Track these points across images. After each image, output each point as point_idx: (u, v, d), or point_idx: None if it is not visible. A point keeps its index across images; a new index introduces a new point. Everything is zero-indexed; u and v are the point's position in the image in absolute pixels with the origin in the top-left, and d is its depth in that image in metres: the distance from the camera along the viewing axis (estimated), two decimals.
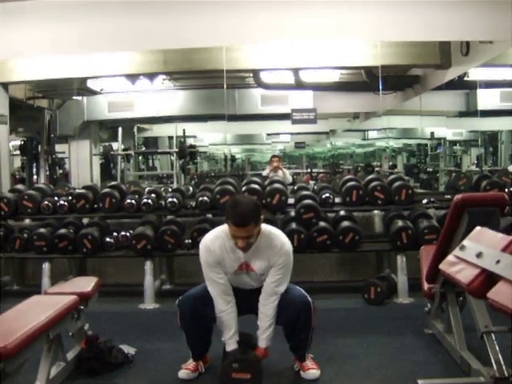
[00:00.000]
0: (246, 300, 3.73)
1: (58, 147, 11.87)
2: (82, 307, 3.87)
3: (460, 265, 2.36)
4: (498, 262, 2.05)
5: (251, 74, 9.19)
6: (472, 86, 10.63)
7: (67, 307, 3.56)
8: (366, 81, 9.02)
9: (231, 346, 3.68)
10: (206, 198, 6.06)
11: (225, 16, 6.14)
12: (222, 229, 3.68)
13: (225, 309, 3.68)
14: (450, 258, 2.50)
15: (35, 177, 11.75)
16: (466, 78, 9.54)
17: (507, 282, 1.93)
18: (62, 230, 6.03)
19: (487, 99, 11.11)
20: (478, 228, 2.52)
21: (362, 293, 5.65)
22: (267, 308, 3.64)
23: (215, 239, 3.68)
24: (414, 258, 5.14)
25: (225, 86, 7.18)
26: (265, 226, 3.68)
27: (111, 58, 7.75)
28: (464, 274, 2.26)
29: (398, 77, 9.60)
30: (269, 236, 3.65)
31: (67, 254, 5.98)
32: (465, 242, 2.43)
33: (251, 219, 3.46)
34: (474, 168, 13.65)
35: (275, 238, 3.66)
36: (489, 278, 2.09)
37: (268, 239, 3.63)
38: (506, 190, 6.01)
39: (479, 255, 2.22)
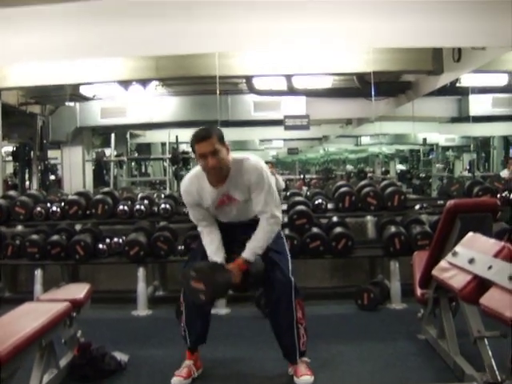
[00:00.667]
0: (236, 235, 3.78)
1: (51, 153, 11.88)
2: (74, 314, 3.85)
3: (453, 271, 2.36)
4: (490, 267, 2.06)
5: (244, 80, 9.21)
6: (464, 92, 10.69)
7: (60, 314, 3.55)
8: (358, 87, 9.05)
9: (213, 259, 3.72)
10: None
11: (218, 23, 6.15)
12: (197, 168, 3.70)
13: (209, 238, 3.76)
14: (443, 263, 2.51)
15: (27, 183, 11.74)
16: (458, 84, 9.60)
17: (499, 288, 1.94)
18: (55, 237, 6.01)
19: (479, 105, 11.17)
20: (470, 234, 2.53)
21: (355, 299, 5.65)
22: (259, 228, 3.66)
23: (191, 179, 3.73)
24: (406, 264, 5.14)
25: (218, 92, 7.19)
26: (234, 156, 3.64)
27: (104, 64, 7.76)
28: (457, 280, 2.27)
29: (391, 83, 9.64)
30: (239, 162, 3.60)
31: (60, 260, 5.95)
32: (457, 248, 2.44)
33: (212, 132, 3.51)
34: (466, 173, 13.71)
35: (245, 161, 3.60)
36: (481, 284, 2.10)
37: (239, 165, 3.59)
38: (499, 195, 6.05)
39: (471, 261, 2.23)
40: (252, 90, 9.15)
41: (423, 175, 13.71)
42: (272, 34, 6.17)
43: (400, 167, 15.74)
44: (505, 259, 2.06)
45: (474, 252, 2.28)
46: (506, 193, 6.12)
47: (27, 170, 11.77)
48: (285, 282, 3.67)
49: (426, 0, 6.28)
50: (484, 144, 14.63)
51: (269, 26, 6.13)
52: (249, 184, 3.60)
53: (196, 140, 3.50)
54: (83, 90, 9.54)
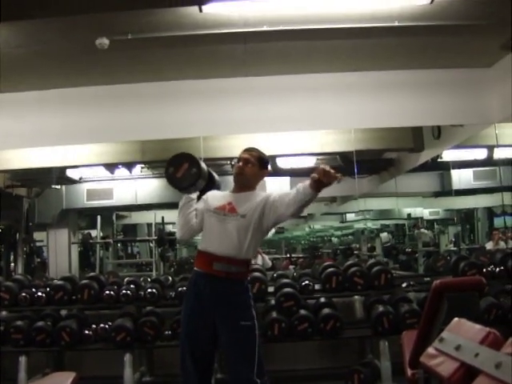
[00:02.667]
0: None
1: (36, 235, 11.81)
2: None
3: (440, 357, 2.35)
4: (476, 355, 2.06)
5: (229, 162, 9.31)
6: (445, 167, 10.84)
7: None
8: (341, 165, 9.17)
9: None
10: (185, 289, 6.02)
11: (201, 108, 6.32)
12: None
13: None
14: (430, 350, 2.49)
15: (12, 264, 11.64)
16: (439, 160, 9.75)
17: (487, 376, 1.93)
18: (40, 323, 5.93)
19: (461, 179, 11.31)
20: (456, 319, 2.53)
21: (345, 380, 5.58)
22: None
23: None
24: (396, 343, 5.10)
25: None
26: (258, 191, 3.77)
27: (90, 148, 7.85)
28: (444, 368, 2.25)
29: (373, 161, 9.78)
30: (259, 193, 3.73)
31: (45, 347, 5.86)
32: (444, 334, 2.43)
33: (258, 151, 3.83)
34: (452, 247, 13.73)
35: (264, 193, 3.74)
36: (469, 371, 2.09)
37: (259, 193, 3.72)
38: (485, 269, 6.08)
39: (458, 348, 2.22)
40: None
41: (409, 250, 13.71)
42: (254, 119, 6.34)
43: (385, 236, 15.79)
44: (491, 346, 2.06)
45: (460, 338, 2.28)
46: (491, 267, 6.16)
47: (12, 253, 11.67)
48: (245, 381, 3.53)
49: (405, 82, 6.49)
50: (468, 216, 14.71)
51: (251, 111, 6.31)
52: (256, 204, 3.64)
53: (244, 149, 3.82)
54: (69, 173, 9.59)
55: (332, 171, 3.25)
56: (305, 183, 3.39)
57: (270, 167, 3.94)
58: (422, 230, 13.82)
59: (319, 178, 3.24)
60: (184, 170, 3.69)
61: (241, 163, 3.78)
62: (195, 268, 3.77)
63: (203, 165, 3.80)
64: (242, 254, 3.63)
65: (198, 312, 3.65)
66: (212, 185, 3.95)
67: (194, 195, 3.84)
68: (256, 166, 3.78)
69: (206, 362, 3.70)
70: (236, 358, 3.59)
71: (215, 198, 3.79)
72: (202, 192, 3.91)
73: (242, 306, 3.64)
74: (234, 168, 3.83)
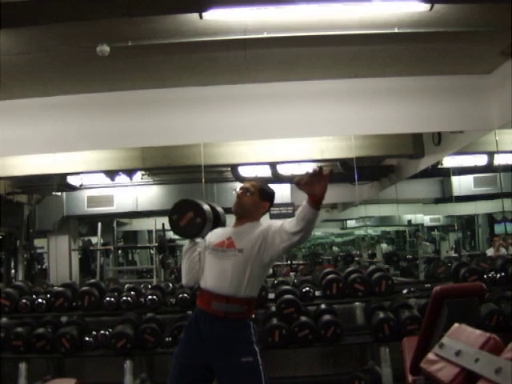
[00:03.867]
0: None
1: (37, 242, 11.81)
2: None
3: (440, 363, 2.35)
4: (476, 360, 2.06)
5: (229, 169, 9.32)
6: (446, 174, 10.84)
7: None
8: (342, 172, 9.18)
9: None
10: (185, 295, 6.03)
11: (202, 115, 6.34)
12: None
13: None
14: (431, 355, 2.49)
15: (13, 271, 11.63)
16: (439, 166, 9.75)
17: (487, 381, 1.93)
18: (40, 330, 5.92)
19: (461, 185, 11.31)
20: (456, 325, 2.53)
21: None
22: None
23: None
24: (397, 349, 5.09)
25: (203, 181, 7.26)
26: (261, 222, 3.65)
27: (91, 155, 7.87)
28: (444, 373, 2.25)
29: (373, 167, 9.80)
30: (260, 224, 3.59)
31: (45, 353, 5.85)
32: (444, 340, 2.43)
33: (259, 183, 3.72)
34: (452, 254, 13.71)
35: (264, 222, 3.62)
36: (469, 377, 2.09)
37: (258, 224, 3.59)
38: (485, 276, 6.07)
39: (458, 353, 2.22)
40: (237, 178, 9.24)
41: (410, 256, 13.70)
42: (255, 126, 6.35)
43: (384, 247, 15.78)
44: (491, 351, 2.06)
45: (460, 344, 2.28)
46: (492, 273, 6.15)
47: (13, 260, 11.68)
48: None
49: (405, 88, 6.50)
50: (469, 222, 14.71)
51: (252, 118, 6.33)
52: (255, 237, 3.49)
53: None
54: (70, 180, 9.60)
55: (307, 173, 3.13)
56: (302, 204, 3.26)
57: (272, 201, 3.76)
58: (424, 242, 13.81)
59: (299, 182, 3.14)
60: (188, 219, 3.57)
61: (239, 191, 3.68)
62: (197, 305, 3.64)
63: (208, 211, 3.66)
64: (240, 292, 3.46)
65: (196, 350, 3.49)
66: (216, 225, 3.86)
67: (199, 239, 3.71)
68: (256, 195, 3.63)
69: None
70: None
71: (215, 235, 3.67)
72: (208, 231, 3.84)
73: (241, 342, 3.45)
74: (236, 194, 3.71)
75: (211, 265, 3.56)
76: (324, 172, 3.11)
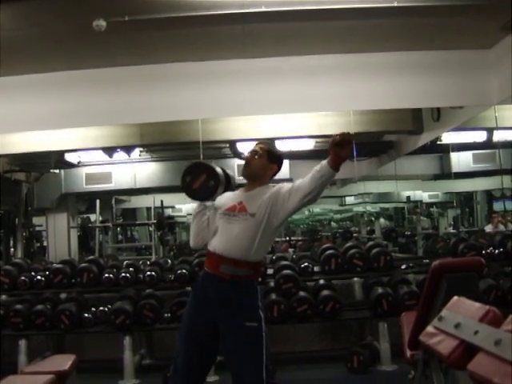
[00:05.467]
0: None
1: (36, 220, 11.81)
2: None
3: (439, 336, 2.34)
4: (476, 332, 2.05)
5: (227, 145, 9.29)
6: (445, 150, 10.82)
7: None
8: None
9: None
10: (184, 271, 6.04)
11: (199, 90, 6.29)
12: None
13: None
14: (429, 329, 2.49)
15: (12, 249, 11.65)
16: (438, 142, 9.73)
17: (486, 354, 1.92)
18: (39, 306, 5.95)
19: (460, 162, 11.30)
20: (455, 298, 2.52)
21: (345, 361, 5.60)
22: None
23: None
24: (395, 324, 5.11)
25: (201, 158, 7.24)
26: (271, 186, 3.67)
27: (88, 131, 7.83)
28: (444, 346, 2.24)
29: (372, 143, 9.76)
30: (270, 188, 3.61)
31: (44, 330, 5.89)
32: (443, 313, 2.42)
33: (269, 146, 3.75)
34: (451, 230, 13.74)
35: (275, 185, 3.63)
36: (468, 349, 2.08)
37: (268, 189, 3.59)
38: (484, 251, 6.08)
39: (457, 326, 2.21)
40: (235, 154, 9.22)
41: (408, 233, 13.73)
42: (254, 101, 6.31)
43: (382, 222, 15.82)
44: (490, 323, 2.05)
45: (459, 316, 2.27)
46: (491, 249, 6.17)
47: (12, 238, 11.68)
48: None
49: (403, 63, 6.45)
50: (467, 199, 14.73)
51: (250, 93, 6.28)
52: (266, 200, 3.51)
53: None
54: (68, 157, 9.56)
55: (344, 132, 3.22)
56: (322, 163, 3.31)
57: (281, 164, 3.76)
58: (422, 217, 13.83)
59: (337, 141, 3.19)
60: (201, 181, 3.58)
61: (248, 154, 3.71)
62: (204, 268, 3.68)
63: (221, 174, 3.68)
64: (249, 255, 3.49)
65: (202, 311, 3.53)
66: (228, 187, 3.86)
67: (209, 202, 3.73)
68: (264, 158, 3.64)
69: (203, 362, 3.56)
70: (241, 360, 3.42)
71: (227, 199, 3.67)
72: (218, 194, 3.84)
73: (247, 307, 3.49)
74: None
75: (221, 228, 3.58)
76: (351, 138, 3.22)
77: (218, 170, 3.68)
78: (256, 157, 3.64)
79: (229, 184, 3.82)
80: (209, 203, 3.72)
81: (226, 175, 3.82)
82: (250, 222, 3.49)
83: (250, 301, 3.53)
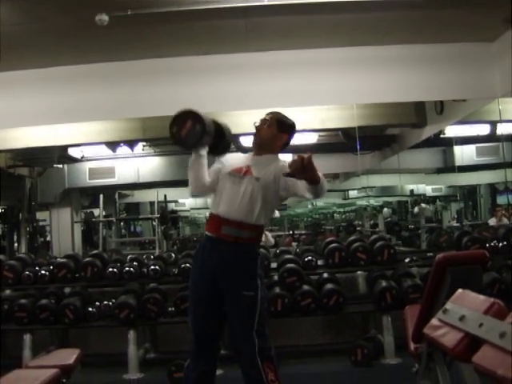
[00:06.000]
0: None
1: (39, 215, 11.84)
2: (64, 380, 3.79)
3: (444, 328, 2.34)
4: (480, 325, 2.05)
5: None
6: (448, 143, 10.81)
7: (48, 382, 3.49)
8: (343, 142, 9.14)
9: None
10: (188, 265, 6.04)
11: (202, 85, 6.28)
12: None
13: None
14: (434, 321, 2.49)
15: (16, 245, 11.68)
16: (442, 136, 9.72)
17: (491, 346, 1.92)
18: (44, 301, 5.95)
19: (463, 155, 11.29)
20: (460, 290, 2.52)
21: (348, 355, 5.60)
22: None
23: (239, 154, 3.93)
24: (399, 317, 5.11)
25: None
26: (281, 158, 3.71)
27: (91, 126, 7.84)
28: (448, 338, 2.25)
29: (376, 137, 9.75)
30: (278, 159, 3.66)
31: (49, 324, 5.88)
32: (447, 306, 2.43)
33: (278, 114, 3.77)
34: (454, 223, 13.74)
35: (282, 160, 3.66)
36: (473, 342, 2.08)
37: (276, 160, 3.64)
38: (487, 245, 6.07)
39: (462, 318, 2.21)
40: (239, 148, 9.21)
41: (412, 226, 13.73)
42: (257, 95, 6.30)
43: (385, 211, 15.83)
44: (495, 316, 2.06)
45: (464, 309, 2.27)
46: (494, 242, 6.15)
47: (16, 233, 11.72)
48: (244, 342, 3.54)
49: (407, 56, 6.44)
50: (471, 192, 14.72)
51: (254, 87, 6.27)
52: (273, 169, 3.56)
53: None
54: (71, 152, 9.58)
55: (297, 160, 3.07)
56: (305, 188, 3.34)
57: (292, 133, 3.80)
58: (423, 204, 13.81)
59: (293, 171, 3.12)
60: (188, 128, 3.55)
61: (259, 122, 3.71)
62: (206, 232, 3.72)
63: (208, 120, 3.66)
64: (252, 218, 3.53)
65: (205, 275, 3.60)
66: (223, 138, 3.83)
67: (204, 152, 3.70)
68: (274, 127, 3.67)
69: (214, 326, 3.66)
70: (234, 322, 3.58)
71: (234, 159, 3.72)
72: (216, 149, 3.83)
73: (246, 275, 3.55)
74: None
75: (225, 189, 3.61)
76: (305, 161, 3.05)
77: (203, 114, 3.65)
78: (265, 126, 3.67)
79: (222, 132, 3.82)
80: (203, 152, 3.69)
81: (219, 126, 3.82)
82: (253, 186, 3.54)
83: (250, 268, 3.59)
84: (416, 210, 13.85)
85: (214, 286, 3.57)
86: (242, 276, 3.55)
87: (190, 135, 3.57)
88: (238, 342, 3.58)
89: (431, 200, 15.30)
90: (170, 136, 3.65)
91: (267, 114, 3.75)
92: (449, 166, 11.67)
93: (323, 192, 3.40)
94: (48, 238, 12.36)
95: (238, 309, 3.55)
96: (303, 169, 3.06)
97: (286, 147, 3.77)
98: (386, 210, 16.05)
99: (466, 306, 2.26)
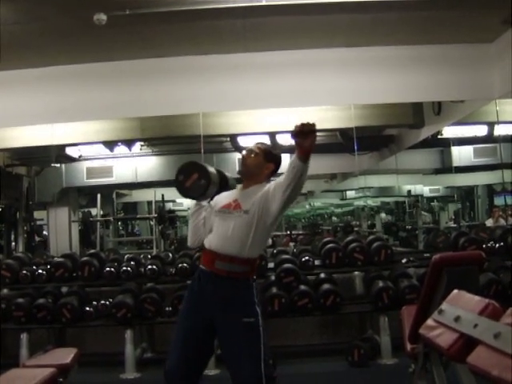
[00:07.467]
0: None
1: (37, 214, 11.81)
2: (61, 380, 3.79)
3: (439, 329, 2.35)
4: (475, 325, 2.06)
5: (228, 139, 9.28)
6: (446, 144, 10.81)
7: (46, 381, 3.49)
8: (341, 142, 9.14)
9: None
10: (185, 265, 6.06)
11: (200, 84, 6.29)
12: None
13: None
14: (430, 322, 2.50)
15: (13, 244, 11.66)
16: (439, 136, 9.72)
17: (486, 346, 1.93)
18: (41, 300, 5.96)
19: (461, 156, 11.29)
20: (455, 291, 2.53)
21: (345, 355, 5.61)
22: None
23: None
24: (396, 318, 5.12)
25: (202, 152, 7.22)
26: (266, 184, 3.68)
27: (89, 125, 7.83)
28: (443, 339, 2.25)
29: (373, 137, 9.75)
30: (264, 186, 3.62)
31: (46, 324, 5.89)
32: (443, 306, 2.44)
33: (266, 146, 3.78)
34: (452, 224, 13.74)
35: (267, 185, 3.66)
36: (468, 342, 2.09)
37: (262, 188, 3.61)
38: (484, 245, 6.09)
39: (457, 319, 2.22)
40: (237, 148, 9.21)
41: (409, 227, 13.73)
42: (254, 95, 6.31)
43: (383, 217, 15.83)
44: (490, 316, 2.06)
45: (459, 310, 2.28)
46: (491, 243, 6.17)
47: (13, 232, 11.69)
48: (252, 378, 3.37)
49: (405, 57, 6.45)
50: (468, 193, 14.72)
51: (251, 87, 6.28)
52: (259, 198, 3.53)
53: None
54: (69, 151, 9.56)
55: (304, 122, 3.18)
56: (291, 158, 3.32)
57: (278, 163, 3.75)
58: (423, 212, 13.82)
59: (298, 131, 3.17)
60: (193, 180, 3.60)
61: (245, 154, 3.72)
62: (200, 265, 3.71)
63: (213, 173, 3.70)
64: (244, 252, 3.51)
65: (199, 309, 3.55)
66: (224, 188, 3.90)
67: (205, 202, 3.77)
68: (260, 156, 3.66)
69: (197, 359, 3.56)
70: (239, 355, 3.43)
71: (223, 197, 3.71)
72: (216, 194, 3.88)
73: (244, 303, 3.51)
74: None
75: (217, 226, 3.61)
76: (313, 127, 3.17)
77: (211, 169, 3.70)
78: (252, 155, 3.66)
79: (225, 185, 3.86)
80: (204, 203, 3.76)
81: (222, 176, 3.86)
82: (244, 219, 3.52)
83: (247, 297, 3.55)
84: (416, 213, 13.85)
85: (206, 323, 3.50)
86: (239, 305, 3.50)
87: (194, 188, 3.62)
88: (245, 379, 3.40)
89: (428, 208, 15.29)
90: (175, 181, 3.69)
91: (254, 144, 3.76)
92: (446, 167, 11.67)
93: (302, 182, 3.37)
94: (45, 237, 12.33)
95: (239, 340, 3.44)
96: (305, 132, 3.16)
97: (272, 176, 3.75)
98: (383, 215, 16.05)
99: (462, 307, 2.27)
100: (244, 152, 3.74)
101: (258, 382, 3.34)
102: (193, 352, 3.51)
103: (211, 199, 3.80)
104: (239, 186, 3.77)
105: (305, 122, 3.17)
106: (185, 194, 3.72)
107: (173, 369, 3.52)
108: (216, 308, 3.49)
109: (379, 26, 5.98)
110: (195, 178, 3.60)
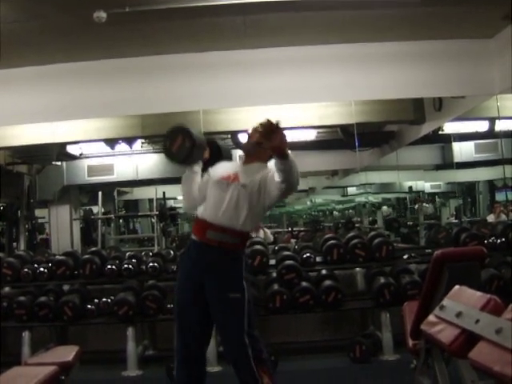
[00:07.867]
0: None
1: (38, 212, 11.82)
2: (62, 377, 3.79)
3: (441, 325, 2.36)
4: (477, 321, 2.06)
5: (229, 136, 9.27)
6: (447, 140, 10.80)
7: (47, 379, 3.49)
8: (342, 138, 9.14)
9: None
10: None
11: (201, 81, 6.29)
12: None
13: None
14: (431, 317, 2.50)
15: (15, 243, 11.66)
16: (440, 132, 9.70)
17: (487, 342, 1.93)
18: (42, 298, 5.95)
19: (462, 152, 11.28)
20: (456, 286, 2.53)
21: (347, 351, 5.61)
22: None
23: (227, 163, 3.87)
24: (398, 314, 5.12)
25: None
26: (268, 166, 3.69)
27: (90, 123, 7.83)
28: (445, 335, 2.26)
29: (374, 133, 9.74)
30: (267, 168, 3.65)
31: (48, 322, 5.89)
32: (444, 302, 2.44)
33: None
34: (453, 220, 13.73)
35: (270, 170, 3.64)
36: (469, 338, 2.09)
37: (264, 168, 3.64)
38: (486, 241, 6.08)
39: (459, 315, 2.22)
40: (237, 145, 9.20)
41: (411, 223, 13.72)
42: (254, 92, 6.30)
43: (385, 209, 15.83)
44: (491, 312, 2.07)
45: (461, 305, 2.28)
46: (492, 238, 6.16)
47: (14, 230, 11.70)
48: (237, 347, 3.54)
49: (405, 53, 6.44)
50: (469, 189, 14.71)
51: (251, 84, 6.27)
52: (259, 177, 3.58)
53: None
54: (70, 149, 9.56)
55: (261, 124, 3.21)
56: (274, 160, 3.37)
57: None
58: (424, 204, 13.79)
59: (259, 139, 3.23)
60: (178, 143, 3.61)
61: (250, 131, 3.71)
62: (191, 236, 3.77)
63: (199, 136, 3.71)
64: (237, 224, 3.56)
65: (190, 279, 3.64)
66: (218, 155, 3.89)
67: (197, 168, 3.78)
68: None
69: (199, 329, 3.66)
70: (223, 326, 3.62)
71: (222, 168, 3.75)
72: (209, 163, 3.88)
73: (231, 277, 3.58)
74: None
75: (213, 196, 3.65)
76: (273, 127, 3.18)
77: (195, 131, 3.70)
78: (257, 134, 3.67)
79: (220, 154, 3.89)
80: (196, 168, 3.76)
81: (212, 143, 3.91)
82: (239, 192, 3.58)
83: (235, 270, 3.61)
84: (417, 206, 13.83)
85: (200, 291, 3.59)
86: (227, 279, 3.57)
87: (180, 151, 3.64)
88: (231, 348, 3.61)
89: (430, 200, 15.27)
90: (163, 151, 3.74)
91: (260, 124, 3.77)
92: (447, 163, 11.65)
93: (294, 175, 3.39)
94: (47, 235, 12.33)
95: (225, 313, 3.57)
96: (271, 133, 3.17)
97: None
98: (385, 208, 16.04)
99: (463, 303, 2.27)
100: (250, 130, 3.72)
101: (239, 351, 3.49)
102: (197, 323, 3.63)
103: (205, 167, 3.82)
104: (241, 160, 3.81)
105: (262, 122, 3.19)
106: (172, 158, 3.72)
107: (183, 347, 3.63)
108: (206, 276, 3.58)
109: (380, 21, 5.97)
110: (180, 141, 3.62)
